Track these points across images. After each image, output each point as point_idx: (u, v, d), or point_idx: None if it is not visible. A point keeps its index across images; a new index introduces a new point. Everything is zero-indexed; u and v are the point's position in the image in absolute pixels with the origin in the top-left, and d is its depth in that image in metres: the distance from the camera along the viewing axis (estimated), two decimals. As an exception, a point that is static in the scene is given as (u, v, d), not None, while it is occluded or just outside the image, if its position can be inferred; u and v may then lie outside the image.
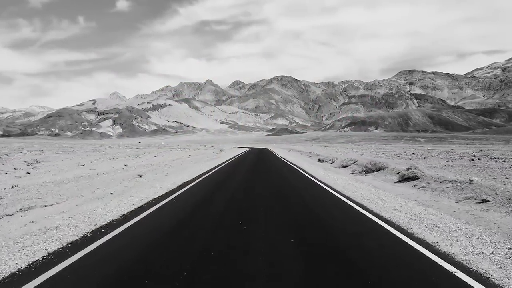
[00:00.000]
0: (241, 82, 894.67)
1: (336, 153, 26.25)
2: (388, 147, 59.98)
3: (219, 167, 15.58)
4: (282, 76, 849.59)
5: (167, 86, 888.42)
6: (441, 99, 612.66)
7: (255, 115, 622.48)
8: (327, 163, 17.02)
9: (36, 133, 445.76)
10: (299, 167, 15.21)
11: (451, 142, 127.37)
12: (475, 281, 2.95)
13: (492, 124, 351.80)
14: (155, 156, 20.69)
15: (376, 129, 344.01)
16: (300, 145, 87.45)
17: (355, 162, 13.78)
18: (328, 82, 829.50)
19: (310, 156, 24.29)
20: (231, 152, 35.07)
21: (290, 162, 19.09)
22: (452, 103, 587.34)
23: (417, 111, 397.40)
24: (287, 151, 42.29)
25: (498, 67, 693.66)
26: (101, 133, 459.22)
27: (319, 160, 19.50)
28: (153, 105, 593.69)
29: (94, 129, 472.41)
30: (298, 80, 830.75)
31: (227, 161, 20.27)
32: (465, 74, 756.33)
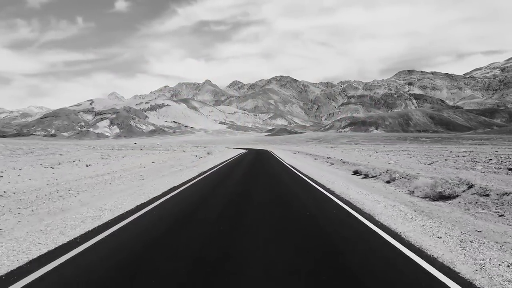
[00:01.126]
0: (240, 82, 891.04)
1: (371, 158, 18.05)
2: (408, 148, 52.06)
3: (176, 191, 7.80)
4: (281, 76, 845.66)
5: (165, 86, 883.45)
6: (440, 99, 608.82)
7: (254, 115, 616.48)
8: (381, 182, 8.87)
9: (31, 134, 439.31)
10: (340, 196, 7.27)
11: (458, 142, 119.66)
12: None
13: (493, 124, 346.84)
14: (87, 166, 12.84)
15: (377, 129, 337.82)
16: (303, 146, 79.77)
17: (470, 187, 5.77)
18: (327, 83, 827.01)
19: (332, 164, 16.17)
20: (221, 156, 27.23)
21: (309, 177, 11.07)
22: (451, 103, 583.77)
23: (418, 111, 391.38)
24: (291, 153, 34.50)
25: (497, 67, 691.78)
26: (98, 133, 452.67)
27: (356, 173, 11.43)
28: (151, 105, 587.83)
29: (91, 129, 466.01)
30: (297, 80, 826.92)
31: (203, 173, 12.41)
32: (464, 74, 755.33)
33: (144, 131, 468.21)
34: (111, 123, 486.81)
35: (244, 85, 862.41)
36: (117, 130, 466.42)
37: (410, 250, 3.68)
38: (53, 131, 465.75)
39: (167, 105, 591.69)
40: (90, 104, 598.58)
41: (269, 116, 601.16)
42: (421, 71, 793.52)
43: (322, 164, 17.16)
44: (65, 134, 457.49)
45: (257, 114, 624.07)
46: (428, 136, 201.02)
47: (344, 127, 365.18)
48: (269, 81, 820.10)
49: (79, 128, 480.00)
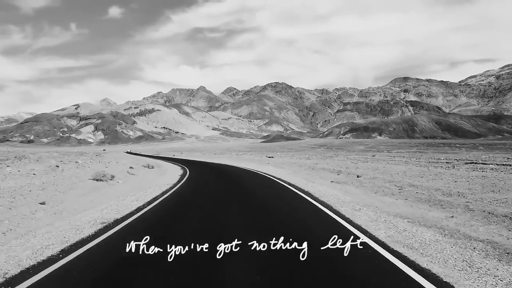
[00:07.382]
0: (235, 88, 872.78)
1: None
2: (492, 158, 26.63)
3: None
4: (276, 82, 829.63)
5: (159, 92, 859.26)
6: (437, 106, 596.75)
7: (249, 121, 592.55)
8: None
9: (7, 140, 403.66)
10: None
11: (494, 148, 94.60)
12: None
13: (502, 130, 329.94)
14: None
15: (380, 135, 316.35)
16: (321, 157, 53.32)
17: None
18: (322, 89, 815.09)
19: None
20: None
21: None
22: (447, 110, 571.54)
23: (423, 116, 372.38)
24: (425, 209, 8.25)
25: (492, 75, 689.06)
26: (79, 139, 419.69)
27: None
28: (140, 110, 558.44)
29: (73, 135, 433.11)
30: (292, 87, 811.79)
31: None
32: (459, 81, 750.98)
33: (131, 137, 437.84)
34: (96, 128, 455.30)
35: (239, 91, 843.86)
36: (102, 136, 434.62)
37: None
38: (32, 137, 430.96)
39: (158, 110, 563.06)
40: (76, 108, 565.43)
41: (264, 122, 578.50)
42: (416, 79, 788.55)
43: None
44: (45, 140, 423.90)
45: (252, 120, 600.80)
46: (452, 143, 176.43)
47: (344, 133, 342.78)
48: (264, 88, 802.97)
49: (60, 134, 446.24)
